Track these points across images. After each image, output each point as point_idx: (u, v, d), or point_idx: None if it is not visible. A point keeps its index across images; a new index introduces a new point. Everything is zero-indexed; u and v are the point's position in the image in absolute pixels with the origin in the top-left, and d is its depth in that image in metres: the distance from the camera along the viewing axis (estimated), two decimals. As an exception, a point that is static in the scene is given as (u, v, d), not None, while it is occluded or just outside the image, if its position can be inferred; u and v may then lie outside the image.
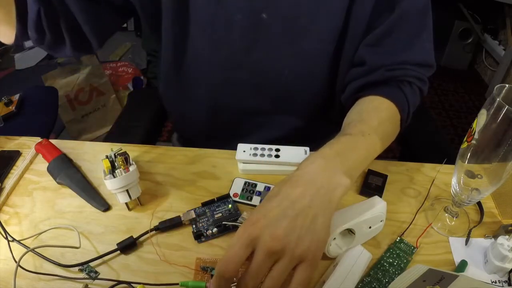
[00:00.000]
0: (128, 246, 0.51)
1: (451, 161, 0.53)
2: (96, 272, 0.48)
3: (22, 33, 0.59)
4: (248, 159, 0.62)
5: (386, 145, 0.55)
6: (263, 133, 0.76)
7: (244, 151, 0.62)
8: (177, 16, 0.63)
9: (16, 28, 0.58)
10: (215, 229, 0.53)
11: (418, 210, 0.57)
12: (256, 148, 0.63)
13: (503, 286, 0.49)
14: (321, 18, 0.62)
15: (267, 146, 0.63)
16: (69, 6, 0.59)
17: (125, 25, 2.78)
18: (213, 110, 0.75)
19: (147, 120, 0.87)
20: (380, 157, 0.55)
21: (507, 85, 0.44)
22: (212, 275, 0.47)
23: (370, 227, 0.51)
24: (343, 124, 0.56)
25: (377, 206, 0.51)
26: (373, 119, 0.54)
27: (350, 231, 0.50)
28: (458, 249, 0.53)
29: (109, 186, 0.53)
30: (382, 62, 0.60)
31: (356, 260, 0.49)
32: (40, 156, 0.64)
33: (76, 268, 0.48)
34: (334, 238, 0.49)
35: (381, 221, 0.52)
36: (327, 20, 0.62)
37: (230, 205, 0.56)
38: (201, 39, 0.65)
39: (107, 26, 0.66)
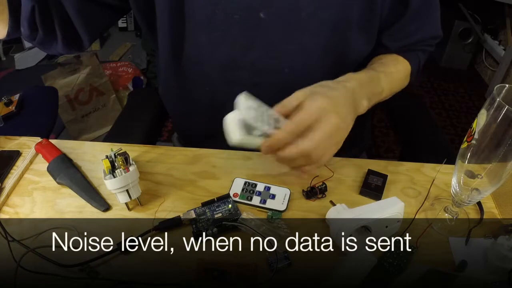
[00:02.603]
0: (128, 246, 0.51)
1: (451, 161, 0.53)
2: (96, 272, 0.48)
3: (14, 29, 0.59)
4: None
5: (395, 89, 0.69)
6: None
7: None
8: (173, 14, 0.63)
9: (8, 24, 0.58)
10: (215, 229, 0.53)
11: (418, 210, 0.57)
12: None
13: (503, 286, 0.49)
14: (320, 10, 0.62)
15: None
16: (63, 3, 0.59)
17: (125, 25, 2.78)
18: (212, 110, 0.75)
19: (147, 120, 0.87)
20: (380, 157, 0.56)
21: (507, 85, 0.44)
22: (213, 277, 0.47)
23: (386, 227, 0.51)
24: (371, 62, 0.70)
25: (395, 206, 0.51)
26: (391, 67, 0.68)
27: (366, 229, 0.51)
28: (458, 249, 0.53)
29: (109, 186, 0.53)
30: (402, 44, 0.71)
31: (360, 262, 0.49)
32: (40, 156, 0.64)
33: (76, 268, 0.48)
34: (350, 235, 0.49)
35: (398, 221, 0.52)
36: (326, 13, 0.62)
37: (230, 205, 0.56)
38: (199, 38, 0.65)
39: (100, 23, 0.67)
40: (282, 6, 0.61)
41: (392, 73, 0.67)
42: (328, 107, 0.50)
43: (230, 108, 0.75)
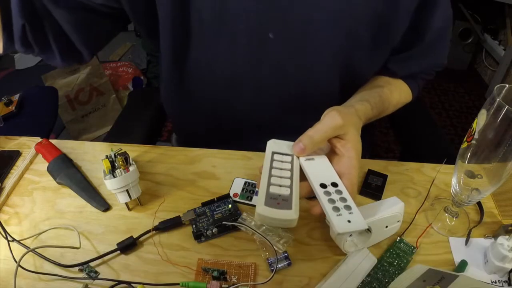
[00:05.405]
0: (128, 246, 0.51)
1: (451, 161, 0.53)
2: (96, 272, 0.48)
3: (8, 45, 0.57)
4: None
5: (392, 110, 0.73)
6: (264, 143, 0.76)
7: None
8: (177, 29, 0.62)
9: (2, 41, 0.57)
10: (215, 229, 0.53)
11: (418, 210, 0.57)
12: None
13: (503, 286, 0.49)
14: (329, 32, 0.61)
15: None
16: (57, 19, 0.57)
17: (125, 25, 2.77)
18: (213, 122, 0.75)
19: (147, 120, 0.87)
20: (380, 157, 0.56)
21: (507, 85, 0.44)
22: (213, 277, 0.47)
23: (386, 227, 0.51)
24: (374, 81, 0.72)
25: (395, 206, 0.51)
26: (395, 97, 0.72)
27: (367, 229, 0.51)
28: (458, 249, 0.53)
29: (109, 186, 0.53)
30: (409, 71, 0.74)
31: (360, 262, 0.49)
32: (40, 156, 0.64)
33: (76, 268, 0.48)
34: (350, 235, 0.49)
35: (398, 221, 0.52)
36: (335, 34, 0.61)
37: (230, 205, 0.56)
38: (203, 53, 0.64)
39: (98, 37, 0.65)
40: (292, 27, 0.60)
41: (395, 105, 0.72)
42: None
43: (230, 120, 0.75)
